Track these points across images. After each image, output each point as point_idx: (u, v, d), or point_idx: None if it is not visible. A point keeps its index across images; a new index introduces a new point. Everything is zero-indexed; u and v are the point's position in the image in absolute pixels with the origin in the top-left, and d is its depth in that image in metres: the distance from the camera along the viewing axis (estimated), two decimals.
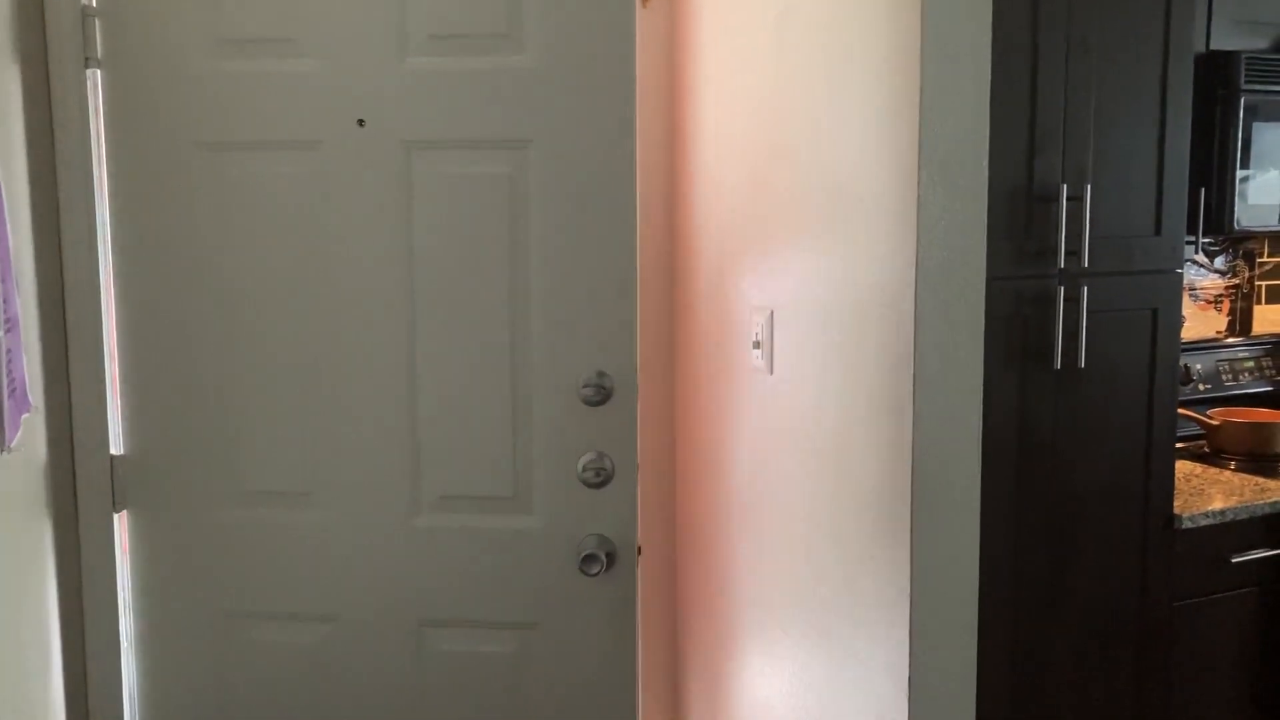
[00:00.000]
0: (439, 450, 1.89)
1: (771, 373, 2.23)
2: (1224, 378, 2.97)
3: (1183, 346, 2.47)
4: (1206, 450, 2.75)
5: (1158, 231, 2.18)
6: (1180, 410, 2.32)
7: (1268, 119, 2.58)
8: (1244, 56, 2.52)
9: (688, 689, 2.77)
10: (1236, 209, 2.59)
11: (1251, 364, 3.02)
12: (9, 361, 1.68)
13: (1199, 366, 2.93)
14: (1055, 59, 2.03)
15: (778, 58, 2.15)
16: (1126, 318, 2.17)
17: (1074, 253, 2.07)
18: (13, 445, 1.73)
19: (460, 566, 1.91)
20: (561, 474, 1.88)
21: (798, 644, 2.17)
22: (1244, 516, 2.36)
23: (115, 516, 1.95)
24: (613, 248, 1.81)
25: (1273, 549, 2.40)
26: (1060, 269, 2.07)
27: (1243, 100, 2.54)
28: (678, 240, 2.65)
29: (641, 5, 2.56)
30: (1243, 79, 2.52)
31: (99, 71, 1.86)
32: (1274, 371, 3.03)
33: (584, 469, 1.86)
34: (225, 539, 1.94)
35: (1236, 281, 3.10)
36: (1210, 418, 2.75)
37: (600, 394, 1.83)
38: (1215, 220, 2.59)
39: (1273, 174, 2.63)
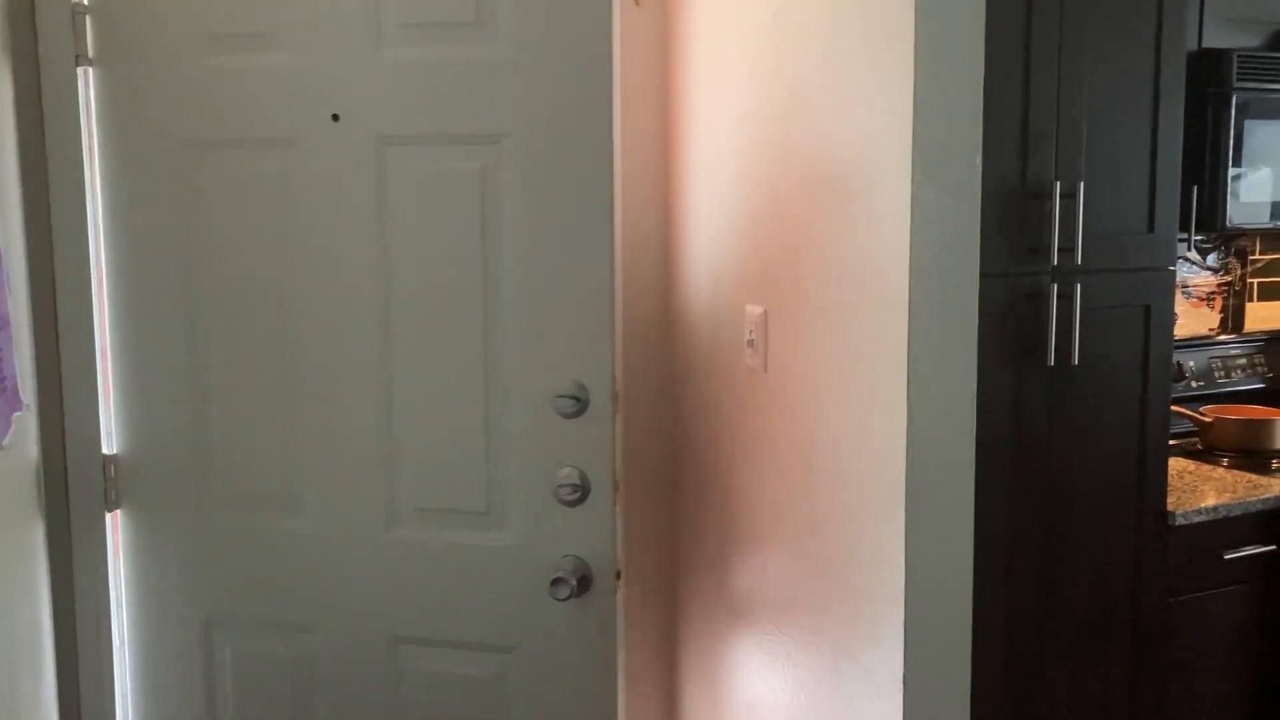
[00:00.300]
0: (414, 459, 1.81)
1: (766, 371, 2.23)
2: (1216, 375, 2.98)
3: (1175, 343, 2.47)
4: (1199, 447, 2.76)
5: (1150, 229, 2.18)
6: (1173, 407, 2.32)
7: (1259, 116, 2.58)
8: (1236, 54, 2.52)
9: (684, 691, 2.77)
10: (1228, 206, 2.60)
11: (1244, 361, 3.03)
12: (0, 360, 1.68)
13: (1191, 363, 2.94)
14: (1048, 57, 2.03)
15: (770, 57, 2.15)
16: (1119, 315, 2.17)
17: (1067, 250, 2.08)
18: (4, 444, 1.72)
19: (435, 583, 1.83)
20: (537, 490, 1.77)
21: (793, 642, 2.17)
22: (1237, 513, 2.37)
23: (108, 516, 1.94)
24: (589, 249, 1.71)
25: (1265, 545, 2.41)
26: (1053, 266, 2.08)
27: (1235, 98, 2.54)
28: (673, 241, 2.65)
29: (635, 4, 2.55)
30: (1234, 77, 2.52)
31: (90, 69, 1.85)
32: (1266, 369, 3.04)
33: (559, 485, 1.74)
34: (210, 542, 1.92)
35: (1228, 279, 3.11)
36: (1203, 415, 2.75)
37: (577, 406, 1.72)
38: (1207, 218, 2.60)
39: (1264, 171, 2.64)
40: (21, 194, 1.81)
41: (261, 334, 1.85)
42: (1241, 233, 3.02)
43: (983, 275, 1.80)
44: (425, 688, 1.87)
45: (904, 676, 1.82)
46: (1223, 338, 3.05)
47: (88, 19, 1.84)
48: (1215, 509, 2.34)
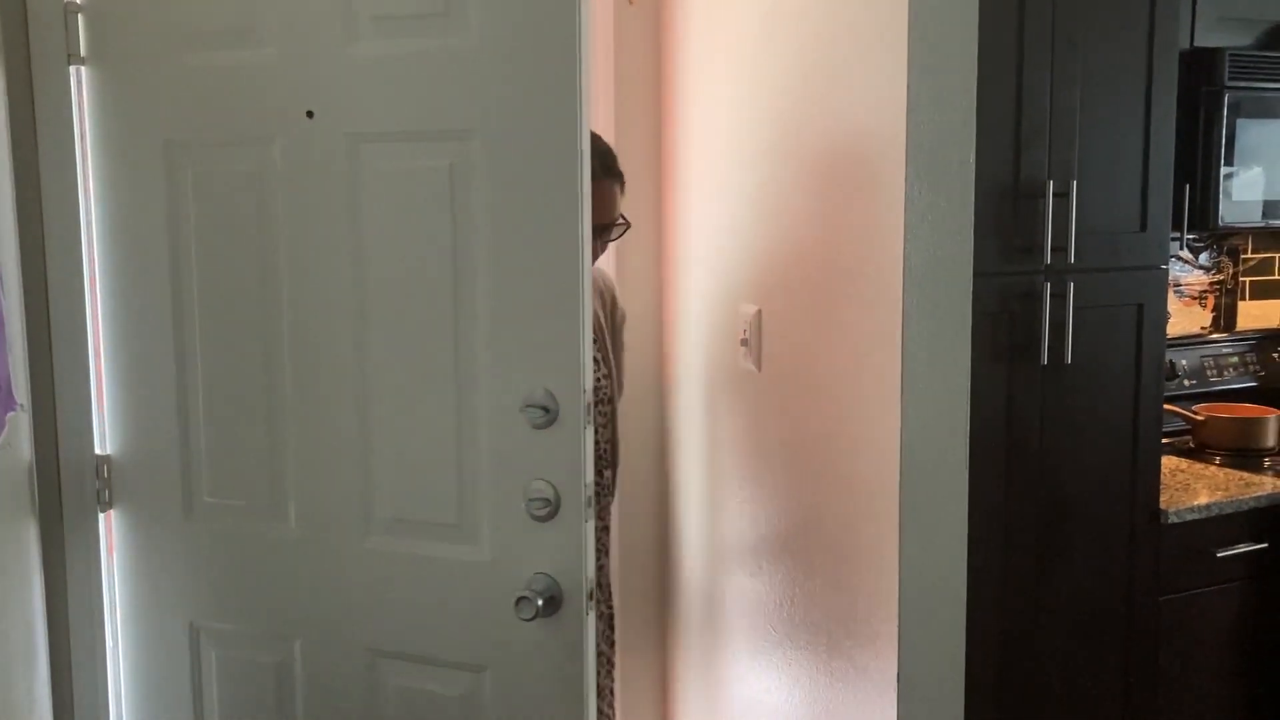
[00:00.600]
0: (388, 466, 1.76)
1: (760, 371, 2.23)
2: (1209, 373, 2.99)
3: (1168, 342, 2.48)
4: (1192, 445, 2.77)
5: (1143, 227, 2.19)
6: (1165, 406, 2.33)
7: (1252, 115, 2.59)
8: (1228, 53, 2.53)
9: (679, 692, 2.77)
10: (1221, 205, 2.60)
11: (1236, 359, 3.04)
12: None
13: (1184, 362, 2.95)
14: (1041, 56, 2.04)
15: (764, 57, 2.15)
16: (1112, 313, 2.18)
17: (1060, 248, 2.08)
18: None
19: (409, 596, 1.78)
20: (508, 503, 1.69)
21: (788, 641, 2.18)
22: (1229, 511, 2.37)
23: (101, 517, 1.93)
24: (558, 250, 1.63)
25: (1257, 543, 2.42)
26: (1046, 265, 2.08)
27: (1227, 97, 2.55)
28: (668, 242, 2.65)
29: (629, 3, 2.55)
30: (1227, 75, 2.53)
31: (83, 68, 1.85)
32: (1258, 367, 3.05)
33: (530, 499, 1.66)
34: (198, 545, 1.90)
35: (1221, 277, 3.12)
36: (1195, 413, 2.76)
37: (546, 417, 1.64)
38: (1200, 216, 2.60)
39: (1256, 170, 2.64)
40: (14, 193, 1.80)
41: (244, 338, 1.82)
42: (1234, 231, 3.03)
43: (976, 274, 1.81)
44: (402, 703, 1.81)
45: (898, 675, 1.82)
46: (1215, 336, 3.06)
47: (80, 17, 1.83)
48: (1208, 507, 2.34)
